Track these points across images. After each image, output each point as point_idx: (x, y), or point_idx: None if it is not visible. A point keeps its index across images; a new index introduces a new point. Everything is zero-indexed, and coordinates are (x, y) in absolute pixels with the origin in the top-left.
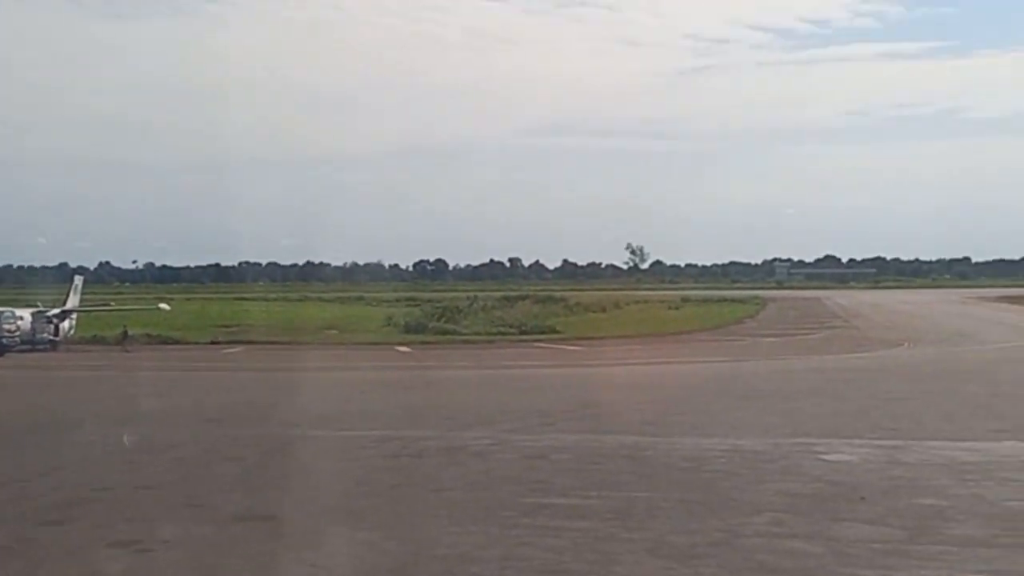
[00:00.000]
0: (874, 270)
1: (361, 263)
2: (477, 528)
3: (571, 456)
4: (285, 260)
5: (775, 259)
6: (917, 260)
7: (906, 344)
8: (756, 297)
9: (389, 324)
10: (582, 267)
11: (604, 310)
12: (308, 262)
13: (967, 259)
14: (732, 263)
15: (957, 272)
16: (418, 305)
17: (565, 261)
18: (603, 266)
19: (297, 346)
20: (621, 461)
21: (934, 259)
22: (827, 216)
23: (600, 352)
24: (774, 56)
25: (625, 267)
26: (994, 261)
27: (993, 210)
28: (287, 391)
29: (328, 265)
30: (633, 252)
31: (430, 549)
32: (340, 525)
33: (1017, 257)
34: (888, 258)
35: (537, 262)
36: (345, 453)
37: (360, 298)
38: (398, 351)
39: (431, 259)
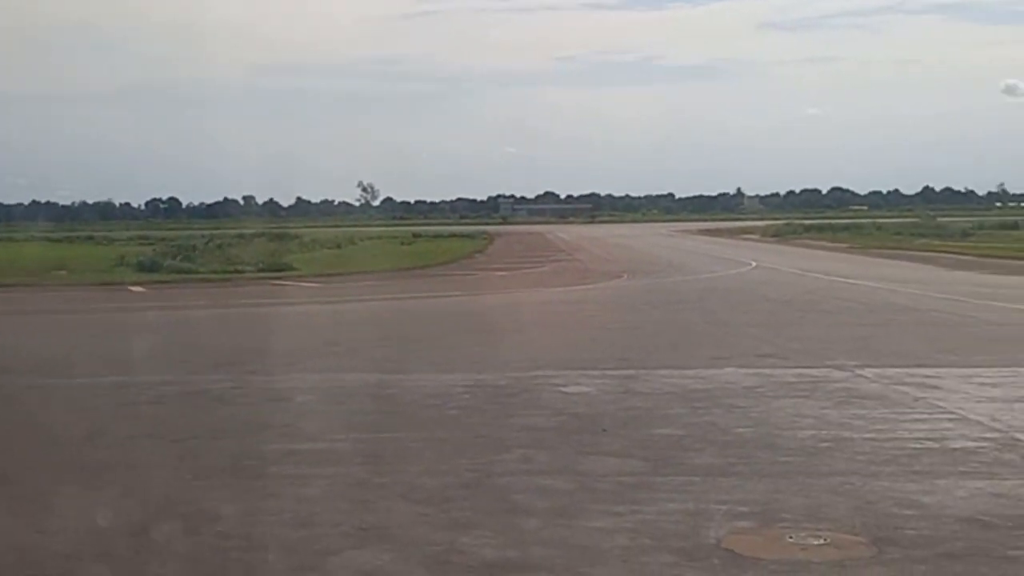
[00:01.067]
0: (590, 205)
1: (90, 202)
2: (221, 480)
3: (316, 397)
4: (8, 199)
5: (499, 196)
6: (628, 196)
7: (625, 275)
8: (484, 232)
9: (122, 264)
10: (316, 204)
11: (339, 246)
12: (34, 201)
13: (671, 195)
14: (459, 199)
15: (663, 207)
16: (151, 244)
17: (299, 199)
18: (336, 203)
19: (22, 288)
20: (367, 400)
21: (642, 195)
22: (545, 155)
23: (338, 288)
24: (489, 3)
25: (357, 204)
26: (694, 197)
27: (691, 150)
28: (9, 336)
29: (55, 204)
30: (364, 190)
31: (171, 506)
32: (70, 484)
33: (714, 193)
34: (602, 194)
35: (271, 200)
36: (76, 402)
37: (90, 237)
38: (132, 291)
39: (164, 197)
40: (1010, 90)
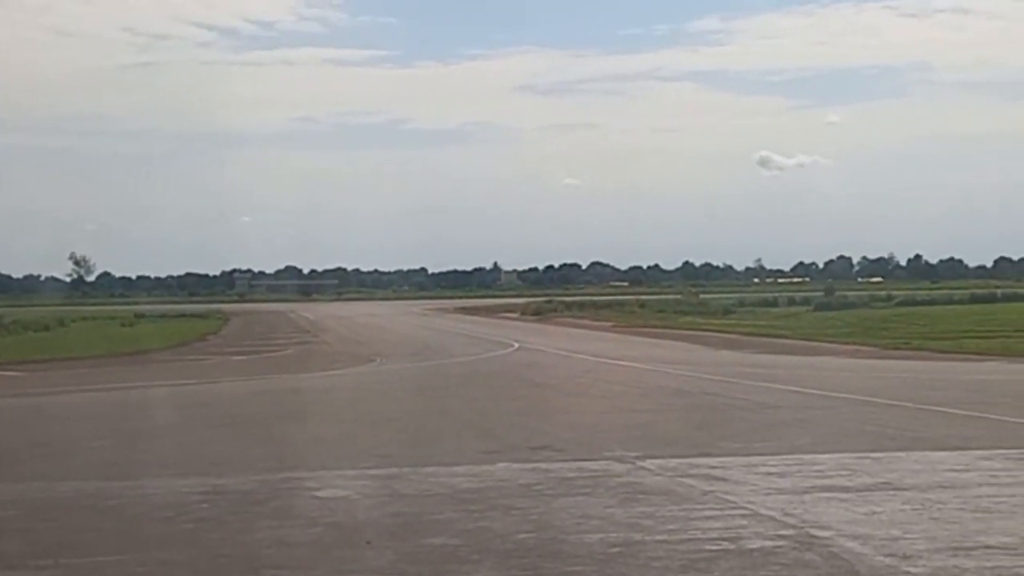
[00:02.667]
0: (336, 281)
1: None
2: None
3: (20, 512)
4: None
5: (235, 270)
6: (377, 271)
7: (378, 359)
8: (218, 311)
9: None
10: (17, 280)
11: (47, 328)
12: None
13: (423, 270)
14: (189, 274)
15: (416, 283)
16: None
17: None
18: (42, 279)
19: None
20: (83, 515)
21: (393, 270)
22: (285, 226)
23: (46, 378)
24: (220, 56)
25: (69, 280)
26: (449, 272)
27: (444, 221)
28: None
29: None
30: (77, 263)
31: None
32: None
33: (470, 268)
34: (349, 268)
35: None
36: None
37: None
38: None
39: None
40: (764, 162)
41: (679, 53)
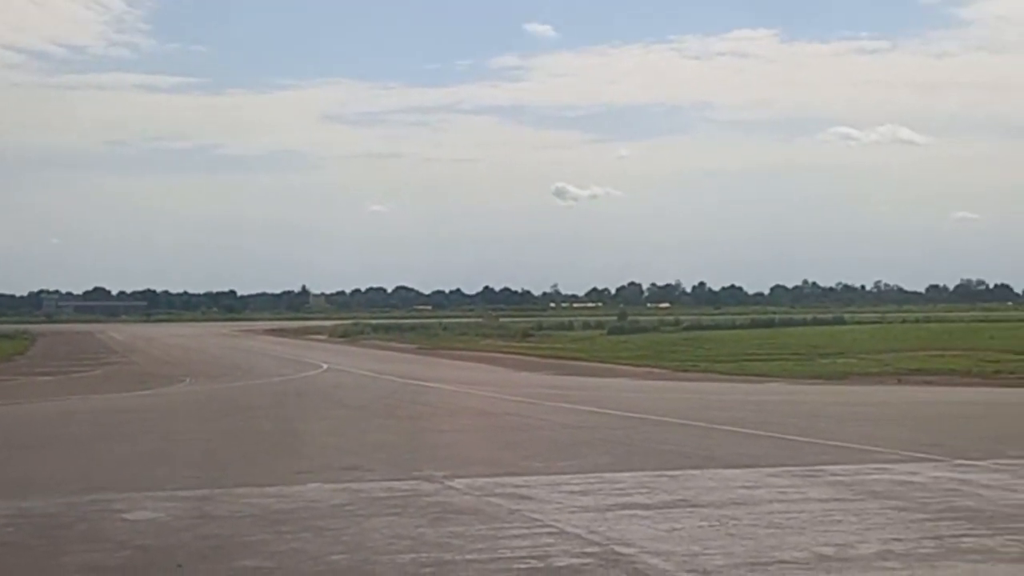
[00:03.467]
0: (145, 303)
1: None
2: None
3: None
4: None
5: (42, 291)
6: (186, 293)
7: (188, 380)
8: (24, 332)
9: None
10: None
11: None
12: None
13: (233, 292)
14: None
15: (225, 305)
16: None
17: None
18: None
19: None
20: None
21: (202, 292)
22: (94, 248)
23: None
24: (30, 78)
25: None
26: (258, 295)
27: (254, 245)
28: None
29: None
30: None
31: None
32: None
33: (279, 291)
34: (158, 291)
35: None
36: None
37: None
38: None
39: None
40: (560, 193)
41: (480, 87)
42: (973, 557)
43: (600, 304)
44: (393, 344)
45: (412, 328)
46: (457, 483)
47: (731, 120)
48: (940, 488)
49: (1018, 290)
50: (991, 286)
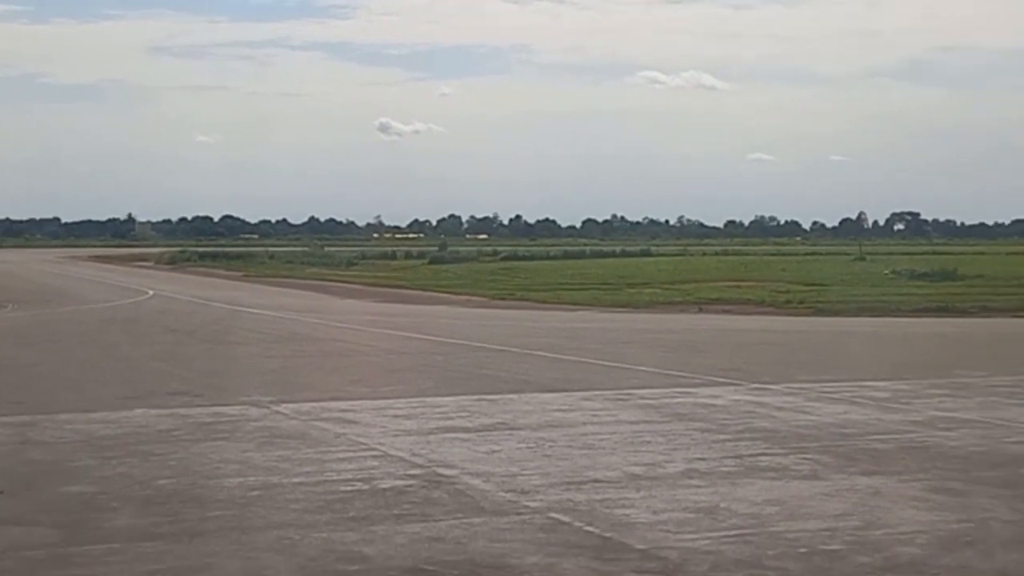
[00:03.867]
0: None
1: None
2: None
3: None
4: None
5: None
6: (8, 219)
7: (10, 306)
8: None
9: None
10: None
11: None
12: None
13: (57, 219)
14: None
15: (49, 232)
16: None
17: None
18: None
19: None
20: None
21: (26, 219)
22: None
23: None
24: None
25: None
26: (83, 222)
27: (79, 173)
28: None
29: None
30: None
31: None
32: None
33: (104, 218)
34: None
35: None
36: None
37: None
38: None
39: None
40: (384, 128)
41: (307, 24)
42: (770, 475)
43: (422, 235)
44: (219, 272)
45: (239, 256)
46: (284, 408)
47: (548, 63)
48: (739, 411)
49: (806, 226)
50: (782, 222)
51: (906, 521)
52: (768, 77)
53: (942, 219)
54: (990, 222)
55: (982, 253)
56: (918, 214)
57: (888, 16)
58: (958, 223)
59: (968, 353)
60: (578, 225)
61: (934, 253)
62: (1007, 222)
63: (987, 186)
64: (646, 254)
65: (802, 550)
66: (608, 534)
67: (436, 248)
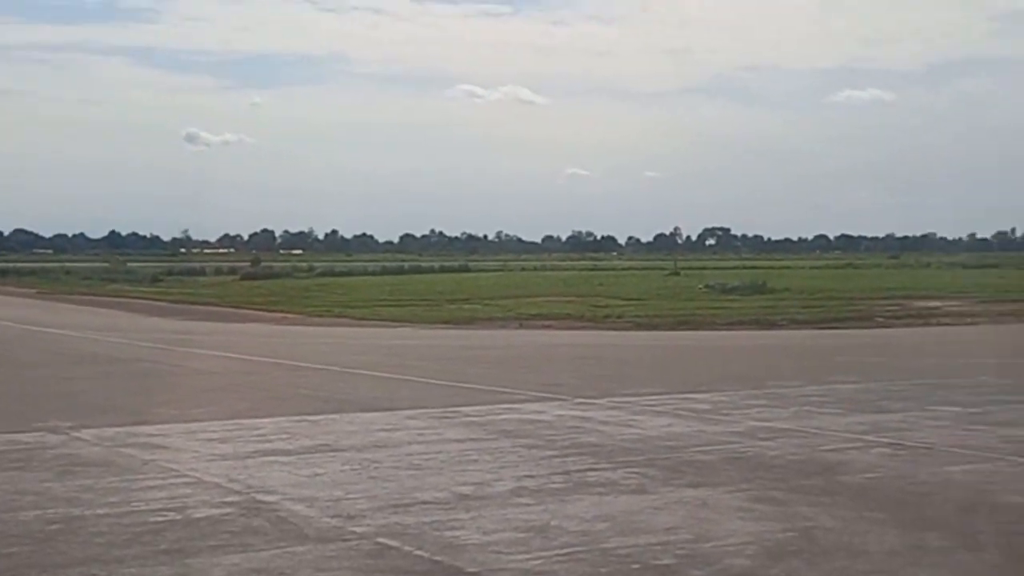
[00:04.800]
0: None
1: None
2: None
3: None
4: None
5: None
6: None
7: None
8: None
9: None
10: None
11: None
12: None
13: None
14: None
15: None
16: None
17: None
18: None
19: None
20: None
21: None
22: None
23: None
24: None
25: None
26: None
27: None
28: None
29: None
30: None
31: None
32: None
33: None
34: None
35: None
36: None
37: None
38: None
39: None
40: (191, 138)
41: (110, 27)
42: (599, 490)
43: (232, 250)
44: (10, 288)
45: (31, 272)
46: (85, 434)
47: (365, 73)
48: (565, 426)
49: (622, 241)
50: (599, 237)
51: (734, 532)
52: (585, 92)
53: (750, 234)
54: (795, 237)
55: (788, 267)
56: (728, 229)
57: (699, 34)
58: (765, 238)
59: (780, 364)
60: (396, 240)
61: (744, 268)
62: (810, 237)
63: (791, 203)
64: (465, 270)
65: (635, 566)
66: (438, 557)
67: (248, 264)
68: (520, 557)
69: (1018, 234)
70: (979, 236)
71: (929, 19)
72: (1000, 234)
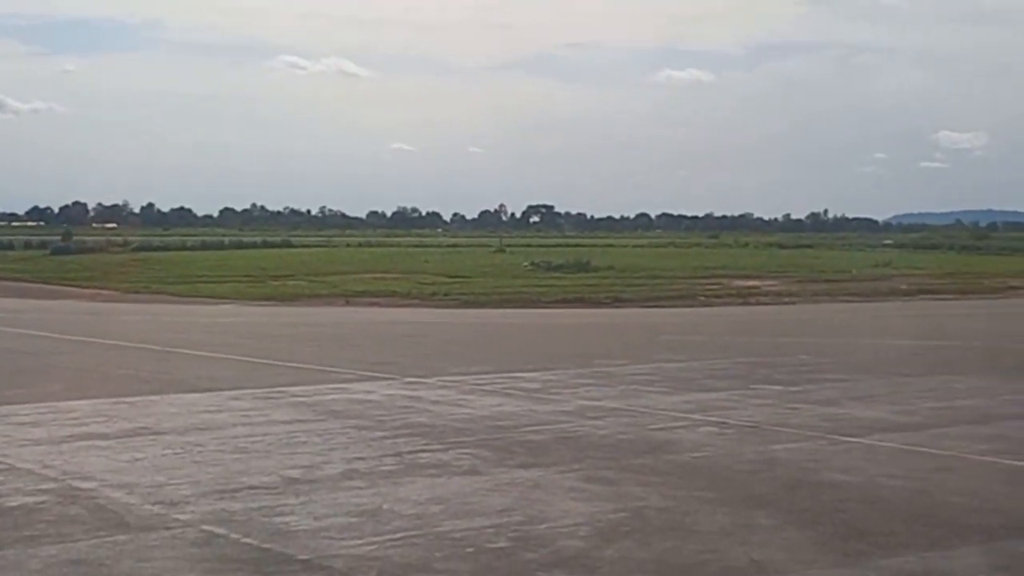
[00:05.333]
0: None
1: None
2: None
3: None
4: None
5: None
6: None
7: None
8: None
9: None
10: None
11: None
12: None
13: None
14: None
15: None
16: None
17: None
18: None
19: None
20: None
21: None
22: None
23: None
24: None
25: None
26: None
27: None
28: None
29: None
30: None
31: None
32: None
33: None
34: None
35: None
36: None
37: None
38: None
39: None
40: None
41: None
42: (431, 471)
43: (42, 223)
44: None
45: None
46: None
47: (183, 41)
48: (395, 405)
49: (447, 217)
50: (424, 213)
51: (567, 513)
52: (409, 66)
53: (574, 212)
54: (617, 216)
55: (611, 246)
56: (552, 207)
57: (521, 11)
58: (588, 216)
59: (606, 342)
60: (215, 214)
61: (568, 245)
62: (632, 215)
63: (614, 181)
64: (288, 245)
65: (469, 550)
66: (268, 545)
67: (59, 238)
68: (352, 542)
69: (830, 215)
70: (793, 217)
71: (748, 1)
72: (813, 215)
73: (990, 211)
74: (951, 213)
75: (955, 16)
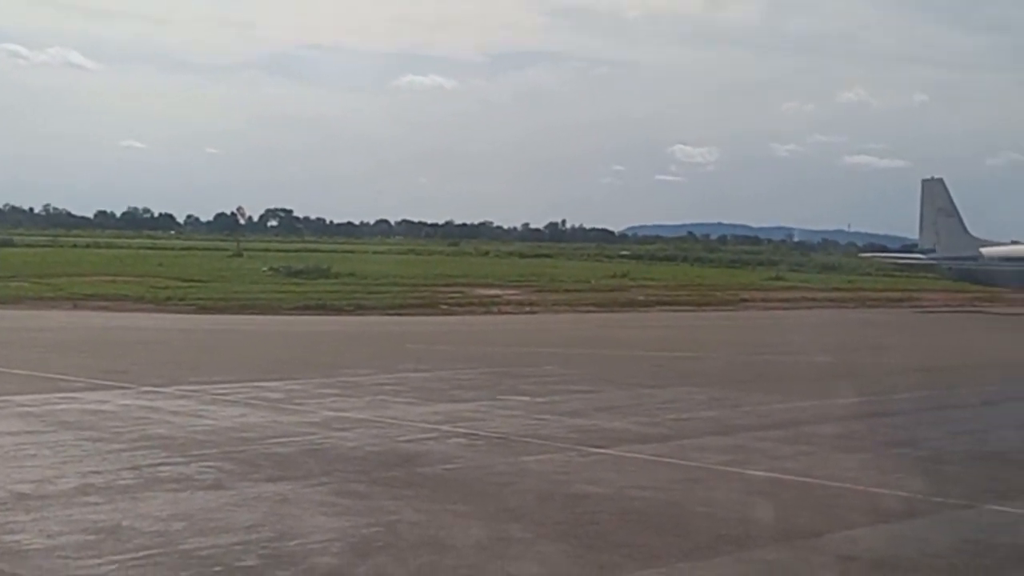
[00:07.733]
0: None
1: None
2: None
3: None
4: None
5: None
6: None
7: None
8: None
9: None
10: None
11: None
12: None
13: None
14: None
15: None
16: None
17: None
18: None
19: None
20: None
21: None
22: None
23: None
24: None
25: None
26: None
27: None
28: None
29: None
30: None
31: None
32: None
33: None
34: None
35: None
36: None
37: None
38: None
39: None
40: None
41: None
42: (172, 486)
43: None
44: None
45: None
46: None
47: None
48: (131, 416)
49: (181, 219)
50: (156, 214)
51: (318, 529)
52: (142, 60)
53: (313, 216)
54: (357, 221)
55: (351, 252)
56: (291, 211)
57: (262, 9)
58: (328, 221)
59: (351, 352)
60: None
61: (307, 251)
62: (372, 221)
63: (354, 186)
64: (9, 244)
65: (217, 569)
66: None
67: None
68: (91, 562)
69: (568, 225)
70: (532, 226)
71: (490, 8)
72: (552, 225)
73: (720, 224)
74: (684, 225)
75: (691, 35)
